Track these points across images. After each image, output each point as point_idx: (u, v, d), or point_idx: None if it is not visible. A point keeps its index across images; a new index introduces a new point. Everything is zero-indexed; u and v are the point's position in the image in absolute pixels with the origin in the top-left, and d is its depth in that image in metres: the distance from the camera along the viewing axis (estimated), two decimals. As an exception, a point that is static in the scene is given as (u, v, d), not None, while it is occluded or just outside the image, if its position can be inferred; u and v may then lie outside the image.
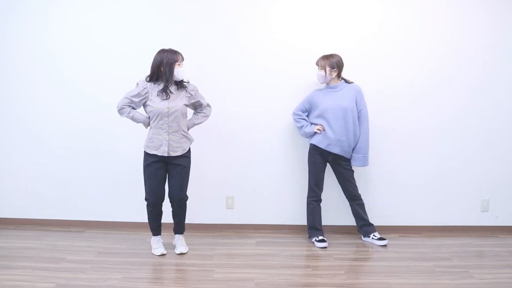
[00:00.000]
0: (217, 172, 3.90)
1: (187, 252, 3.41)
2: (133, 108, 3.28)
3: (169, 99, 3.20)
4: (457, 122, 3.86)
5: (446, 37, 3.77)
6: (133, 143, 3.81)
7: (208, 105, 3.44)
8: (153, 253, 3.37)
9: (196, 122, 3.40)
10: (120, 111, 3.29)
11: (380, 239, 3.61)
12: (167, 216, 3.47)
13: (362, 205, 3.67)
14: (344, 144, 3.51)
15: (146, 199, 3.36)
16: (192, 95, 3.30)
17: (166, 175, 3.36)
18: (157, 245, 3.41)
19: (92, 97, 3.85)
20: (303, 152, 3.86)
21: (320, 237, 3.59)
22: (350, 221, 3.82)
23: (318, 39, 3.76)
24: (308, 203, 3.66)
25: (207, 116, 3.44)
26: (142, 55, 3.77)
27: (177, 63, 3.18)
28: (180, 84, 3.27)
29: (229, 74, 3.81)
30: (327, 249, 3.52)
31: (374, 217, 3.76)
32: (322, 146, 3.54)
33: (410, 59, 3.78)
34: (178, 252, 3.39)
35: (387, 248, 3.54)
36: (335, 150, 3.53)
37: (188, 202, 3.43)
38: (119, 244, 3.57)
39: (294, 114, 3.68)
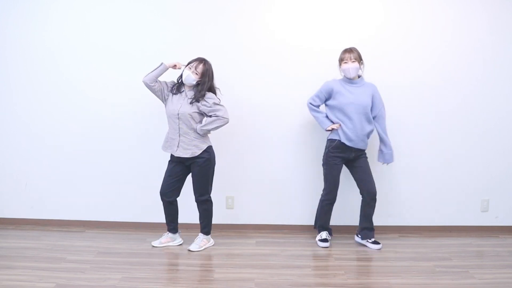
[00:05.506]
0: (217, 172, 3.89)
1: (195, 251, 3.41)
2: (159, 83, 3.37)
3: (182, 103, 3.29)
4: (456, 122, 3.86)
5: (446, 37, 3.77)
6: (133, 143, 3.81)
7: (223, 117, 3.28)
8: None
9: (208, 127, 3.29)
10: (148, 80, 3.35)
11: (375, 242, 3.56)
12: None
13: (374, 206, 3.55)
14: (365, 139, 3.48)
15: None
16: (206, 105, 3.28)
17: (183, 174, 3.44)
18: (160, 238, 3.51)
19: (92, 97, 3.85)
20: (303, 152, 3.87)
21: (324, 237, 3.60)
22: (350, 221, 3.81)
23: (318, 39, 3.77)
24: (324, 205, 3.58)
25: (219, 119, 3.27)
26: (142, 55, 3.78)
27: (188, 65, 3.30)
28: (196, 91, 3.32)
29: (228, 74, 3.80)
30: (327, 249, 3.52)
31: (374, 217, 3.74)
32: (350, 144, 3.43)
33: (410, 59, 3.78)
34: (188, 248, 3.44)
35: (387, 248, 3.54)
36: (360, 145, 3.46)
37: (188, 202, 3.43)
38: (119, 244, 3.57)
39: (311, 104, 3.52)
